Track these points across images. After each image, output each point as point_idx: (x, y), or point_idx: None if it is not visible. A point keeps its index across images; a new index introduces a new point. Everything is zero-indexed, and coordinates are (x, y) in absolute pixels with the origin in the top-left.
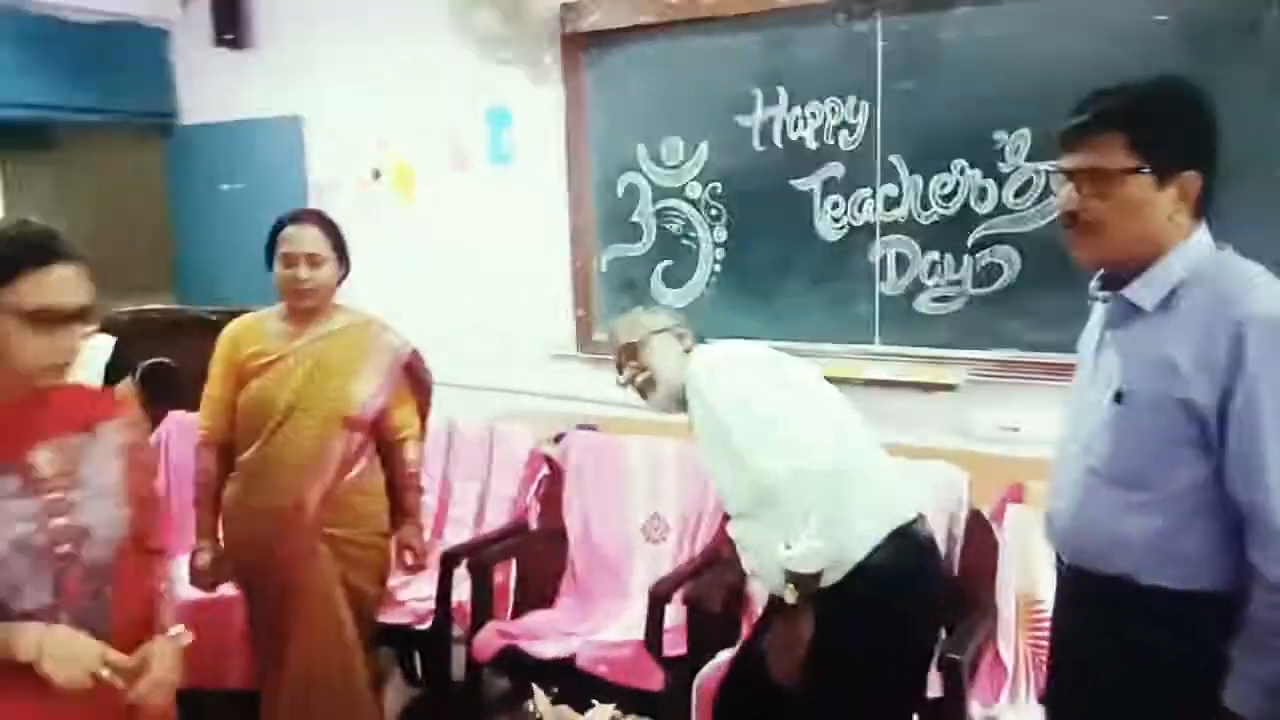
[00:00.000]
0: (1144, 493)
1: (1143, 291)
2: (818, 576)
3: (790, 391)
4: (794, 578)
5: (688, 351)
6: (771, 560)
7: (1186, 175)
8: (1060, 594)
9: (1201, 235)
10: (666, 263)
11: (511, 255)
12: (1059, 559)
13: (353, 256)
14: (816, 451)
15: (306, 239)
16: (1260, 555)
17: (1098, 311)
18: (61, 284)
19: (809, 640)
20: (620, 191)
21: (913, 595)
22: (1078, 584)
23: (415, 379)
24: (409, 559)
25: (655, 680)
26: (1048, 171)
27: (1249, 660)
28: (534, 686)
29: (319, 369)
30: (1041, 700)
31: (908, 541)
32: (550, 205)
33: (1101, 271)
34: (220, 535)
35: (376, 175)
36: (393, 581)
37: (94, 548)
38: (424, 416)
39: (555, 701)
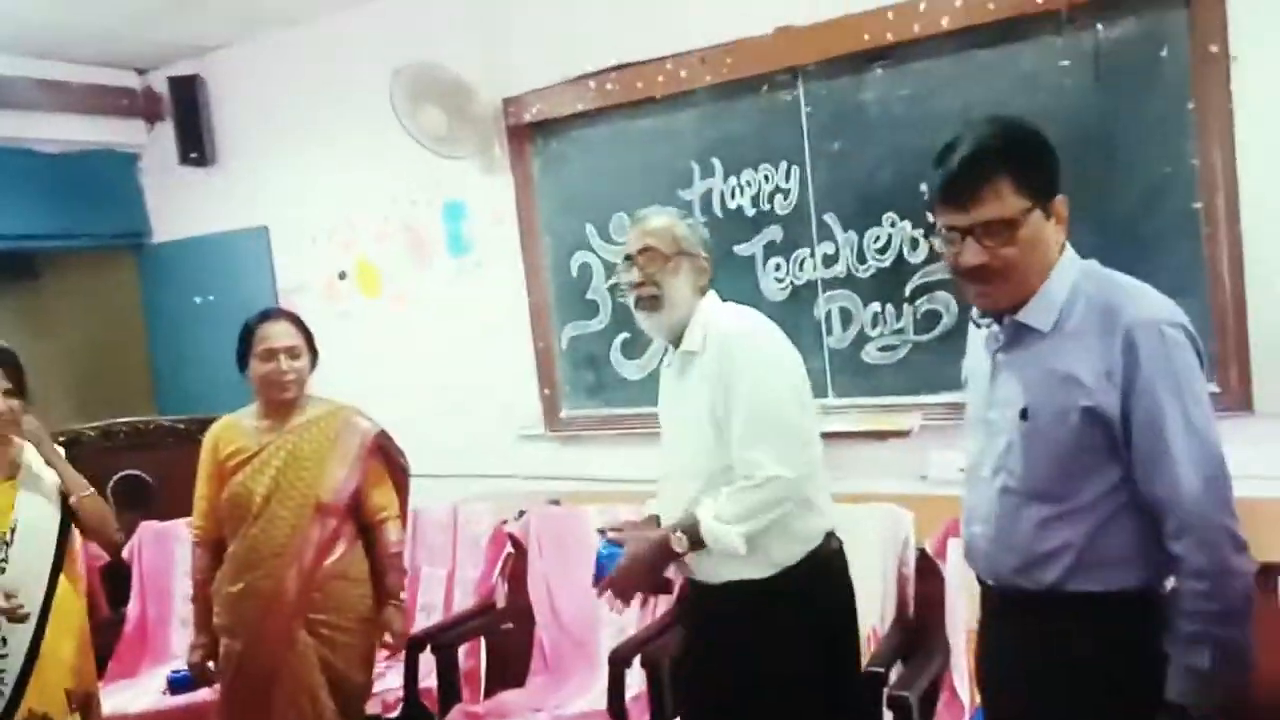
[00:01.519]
0: (1062, 504)
1: (1038, 314)
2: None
3: (807, 411)
4: (696, 540)
5: (703, 291)
6: (679, 507)
7: (1058, 200)
8: (989, 616)
9: (1069, 252)
10: (624, 335)
11: (476, 341)
12: (983, 583)
13: (324, 354)
14: (797, 471)
15: (282, 333)
16: (1180, 545)
17: (977, 337)
18: None
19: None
20: (574, 271)
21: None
22: (1006, 604)
23: (388, 459)
24: (388, 638)
25: None
26: (943, 231)
27: (1183, 651)
28: None
29: (292, 459)
30: None
31: (819, 556)
32: (509, 289)
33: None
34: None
35: (342, 276)
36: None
37: None
38: (403, 496)
39: None
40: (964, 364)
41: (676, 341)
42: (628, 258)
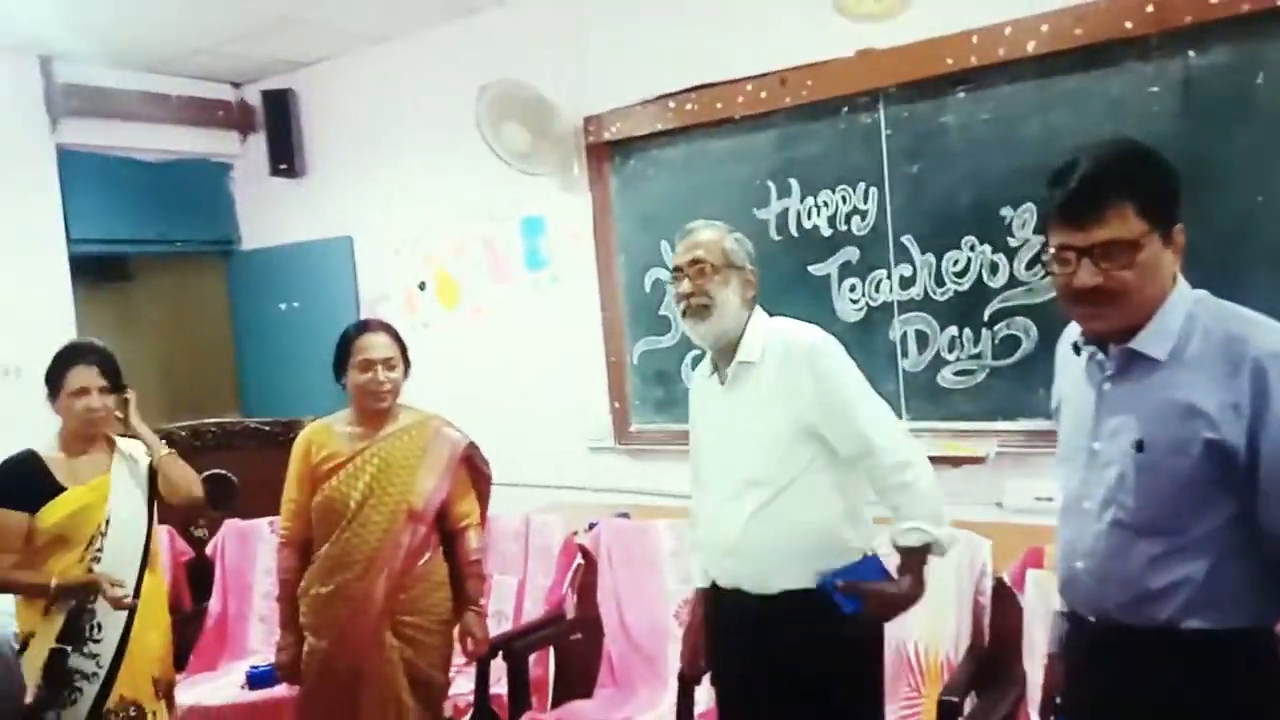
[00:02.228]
0: (1177, 538)
1: (1154, 343)
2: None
3: None
4: (919, 551)
5: (751, 304)
6: (737, 519)
7: (1178, 228)
8: (1085, 653)
9: (1182, 281)
10: (695, 352)
11: (549, 354)
12: (1079, 618)
13: None
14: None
15: (380, 345)
16: None
17: (1074, 365)
18: None
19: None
20: (648, 287)
21: None
22: (1109, 640)
23: (474, 470)
24: (469, 645)
25: None
26: (1054, 251)
27: None
28: None
29: (385, 466)
30: None
31: None
32: (583, 304)
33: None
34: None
35: (422, 286)
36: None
37: None
38: (484, 504)
39: None
40: (1054, 391)
41: (727, 353)
42: (677, 269)
